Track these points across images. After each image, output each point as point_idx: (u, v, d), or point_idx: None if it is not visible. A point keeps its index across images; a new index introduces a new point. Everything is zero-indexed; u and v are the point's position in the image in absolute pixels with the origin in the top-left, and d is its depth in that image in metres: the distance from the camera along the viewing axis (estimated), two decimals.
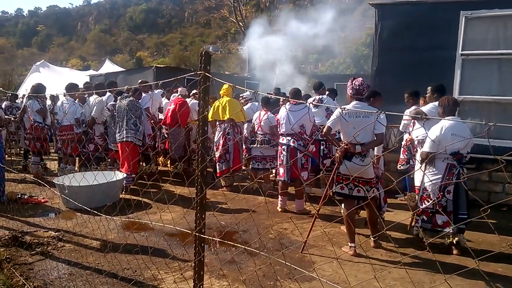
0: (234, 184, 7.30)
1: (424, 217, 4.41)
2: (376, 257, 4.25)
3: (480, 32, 6.28)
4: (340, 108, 4.05)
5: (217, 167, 7.08)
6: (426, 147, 4.32)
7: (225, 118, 6.93)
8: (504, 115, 6.20)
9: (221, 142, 6.98)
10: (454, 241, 4.29)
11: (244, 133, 7.34)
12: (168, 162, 8.47)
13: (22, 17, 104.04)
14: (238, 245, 3.40)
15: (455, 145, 4.14)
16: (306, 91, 10.64)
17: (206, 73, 2.10)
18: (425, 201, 4.40)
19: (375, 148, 4.55)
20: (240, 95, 8.92)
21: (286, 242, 4.65)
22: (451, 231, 4.25)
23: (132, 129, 6.53)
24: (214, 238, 3.34)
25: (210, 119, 6.85)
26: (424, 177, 4.45)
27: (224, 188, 7.13)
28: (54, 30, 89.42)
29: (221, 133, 7.04)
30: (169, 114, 7.84)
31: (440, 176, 4.26)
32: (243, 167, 8.05)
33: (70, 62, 55.24)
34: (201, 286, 2.19)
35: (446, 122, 4.18)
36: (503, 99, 6.15)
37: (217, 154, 7.01)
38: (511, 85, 6.11)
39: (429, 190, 4.37)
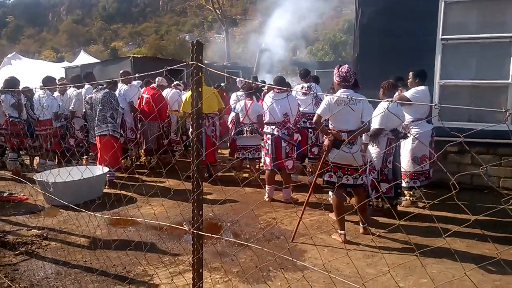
0: (219, 174, 7.21)
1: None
2: (366, 243, 4.28)
3: (460, 16, 6.31)
4: (326, 95, 4.06)
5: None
6: (376, 125, 4.67)
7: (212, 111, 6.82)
8: (484, 98, 6.29)
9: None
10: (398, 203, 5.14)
11: (228, 124, 7.17)
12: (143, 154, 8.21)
13: None
14: (233, 239, 3.37)
15: (394, 123, 4.71)
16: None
17: (199, 63, 2.03)
18: (371, 172, 4.86)
19: (363, 135, 4.57)
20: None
21: (276, 232, 4.64)
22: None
23: (110, 122, 6.37)
24: (213, 235, 3.30)
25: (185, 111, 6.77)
26: (370, 152, 4.93)
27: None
28: (24, 21, 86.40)
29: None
30: (145, 106, 7.63)
31: (383, 149, 4.78)
32: (229, 157, 7.98)
33: (43, 54, 53.36)
34: (201, 285, 2.12)
35: (385, 104, 4.56)
36: (483, 83, 6.22)
37: None
38: (491, 69, 6.18)
39: (375, 162, 4.83)
